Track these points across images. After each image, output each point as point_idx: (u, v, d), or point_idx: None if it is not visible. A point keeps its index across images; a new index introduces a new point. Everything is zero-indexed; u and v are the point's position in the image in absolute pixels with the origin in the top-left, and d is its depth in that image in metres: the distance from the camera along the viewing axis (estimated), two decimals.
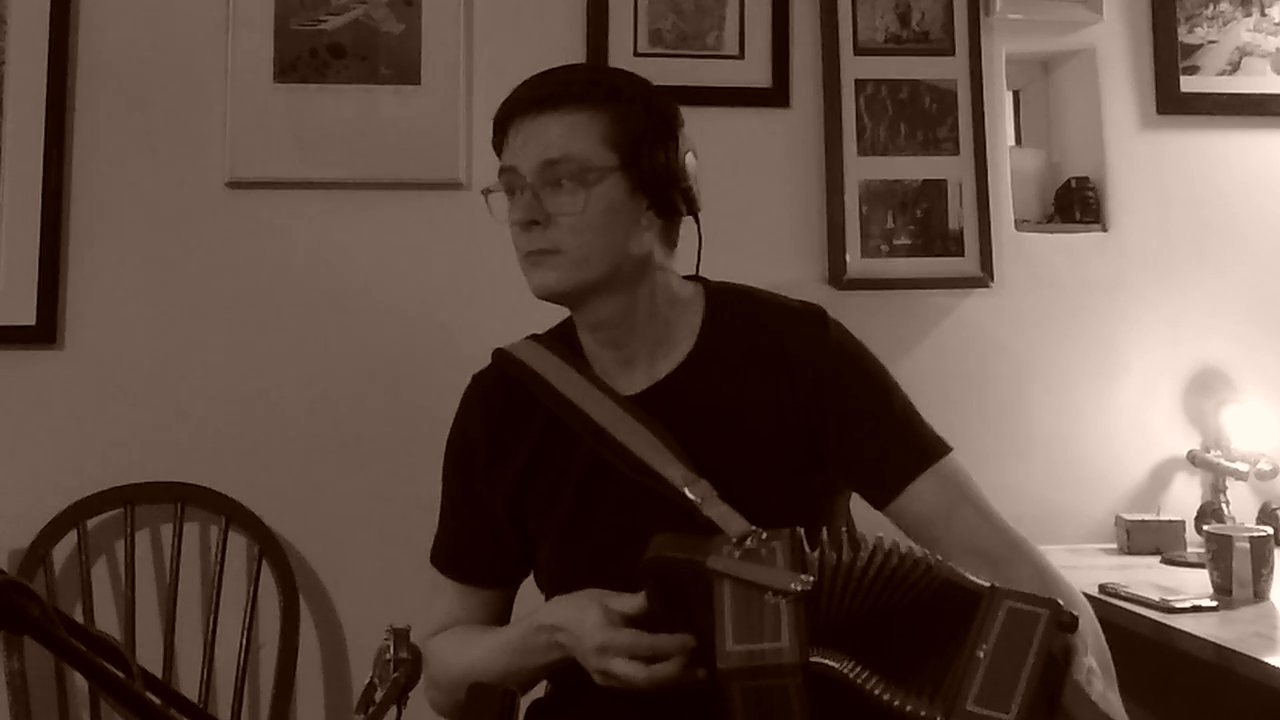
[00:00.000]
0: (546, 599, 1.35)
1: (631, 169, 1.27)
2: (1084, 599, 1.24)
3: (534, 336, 1.41)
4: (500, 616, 1.41)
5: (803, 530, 1.12)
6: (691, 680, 1.14)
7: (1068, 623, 1.03)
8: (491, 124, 1.33)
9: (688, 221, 1.36)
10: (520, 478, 1.35)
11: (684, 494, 1.23)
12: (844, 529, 1.13)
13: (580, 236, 1.25)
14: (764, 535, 1.11)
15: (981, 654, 1.00)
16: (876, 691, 1.00)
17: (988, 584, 1.06)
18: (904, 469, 1.29)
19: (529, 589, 1.43)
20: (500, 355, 1.39)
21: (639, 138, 1.27)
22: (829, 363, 1.32)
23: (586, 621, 1.18)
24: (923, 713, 0.98)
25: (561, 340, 1.39)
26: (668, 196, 1.29)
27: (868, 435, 1.30)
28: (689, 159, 1.31)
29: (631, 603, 1.17)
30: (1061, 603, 1.04)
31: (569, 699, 1.34)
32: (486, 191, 1.33)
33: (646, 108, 1.29)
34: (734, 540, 1.11)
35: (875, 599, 1.06)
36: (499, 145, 1.32)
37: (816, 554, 1.08)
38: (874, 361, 1.36)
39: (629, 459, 1.27)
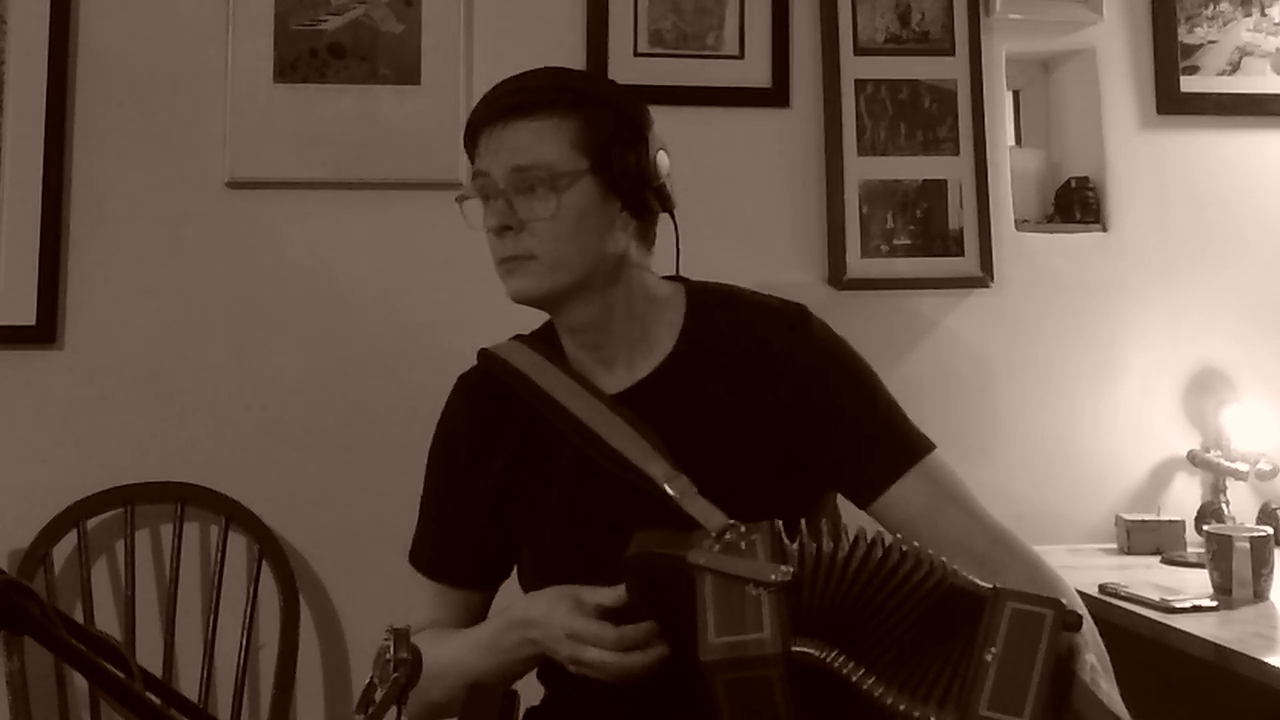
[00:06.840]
0: None
1: (602, 172, 1.27)
2: (1076, 593, 1.24)
3: (518, 337, 1.41)
4: (478, 619, 1.41)
5: (781, 523, 1.12)
6: (663, 666, 1.14)
7: (1073, 622, 1.03)
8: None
9: (669, 223, 1.36)
10: (503, 477, 1.35)
11: (664, 489, 1.23)
12: (825, 521, 1.13)
13: (554, 242, 1.26)
14: (743, 529, 1.11)
15: (990, 657, 1.00)
16: (876, 692, 0.99)
17: (989, 585, 1.06)
18: (888, 468, 1.29)
19: (509, 590, 1.42)
20: (484, 355, 1.40)
21: (608, 141, 1.28)
22: (812, 362, 1.32)
23: (557, 613, 1.19)
24: (932, 718, 0.98)
25: (544, 340, 1.39)
26: (640, 197, 1.30)
27: (851, 434, 1.30)
28: (660, 157, 1.31)
29: (607, 595, 1.18)
30: (1064, 602, 1.05)
31: (564, 704, 1.34)
32: (461, 198, 1.33)
33: (615, 111, 1.30)
34: (714, 535, 1.12)
35: (862, 591, 1.06)
36: (471, 152, 1.33)
37: (796, 545, 1.09)
38: (857, 360, 1.36)
39: (610, 454, 1.27)
